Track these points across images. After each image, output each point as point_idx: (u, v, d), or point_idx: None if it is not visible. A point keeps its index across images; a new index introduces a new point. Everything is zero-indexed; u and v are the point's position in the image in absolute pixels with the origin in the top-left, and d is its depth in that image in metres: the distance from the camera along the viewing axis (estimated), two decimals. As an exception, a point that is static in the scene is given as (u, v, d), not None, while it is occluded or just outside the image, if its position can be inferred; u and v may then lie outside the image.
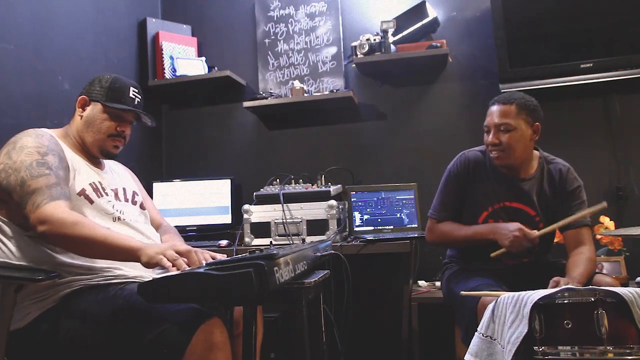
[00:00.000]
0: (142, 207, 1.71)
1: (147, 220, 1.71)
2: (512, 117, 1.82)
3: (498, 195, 1.90)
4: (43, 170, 1.38)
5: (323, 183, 2.56)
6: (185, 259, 1.29)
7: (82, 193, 1.49)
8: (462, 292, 1.64)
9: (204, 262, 1.32)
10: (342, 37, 2.88)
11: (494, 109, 1.87)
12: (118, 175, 1.72)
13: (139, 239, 1.51)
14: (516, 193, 1.90)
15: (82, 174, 1.53)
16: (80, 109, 1.60)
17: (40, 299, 1.36)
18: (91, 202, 1.50)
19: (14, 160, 1.38)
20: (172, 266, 1.25)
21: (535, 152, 1.96)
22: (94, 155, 1.62)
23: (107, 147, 1.59)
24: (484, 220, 1.91)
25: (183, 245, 1.37)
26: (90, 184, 1.52)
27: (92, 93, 1.60)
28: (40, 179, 1.36)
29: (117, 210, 1.56)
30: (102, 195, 1.54)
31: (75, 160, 1.54)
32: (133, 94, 1.62)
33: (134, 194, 1.71)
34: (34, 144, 1.42)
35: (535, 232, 1.76)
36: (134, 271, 1.46)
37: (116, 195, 1.62)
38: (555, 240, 2.09)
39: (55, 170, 1.41)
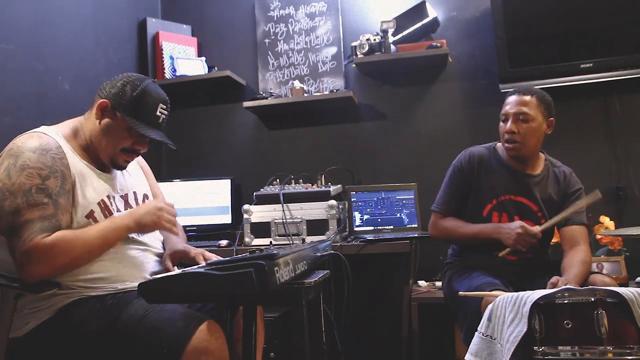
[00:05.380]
0: None
1: None
2: (532, 107, 1.85)
3: (503, 188, 1.92)
4: (41, 199, 1.30)
5: (323, 183, 2.55)
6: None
7: (91, 216, 1.42)
8: (460, 293, 1.64)
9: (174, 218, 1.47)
10: (342, 37, 2.88)
11: (514, 98, 1.88)
12: (129, 175, 1.64)
13: (148, 252, 1.54)
14: (521, 187, 1.92)
15: (89, 189, 1.44)
16: (100, 113, 1.46)
17: (39, 309, 1.34)
18: None
19: (13, 181, 1.30)
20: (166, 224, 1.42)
21: (541, 154, 1.98)
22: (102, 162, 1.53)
23: (118, 160, 1.51)
24: (489, 212, 1.93)
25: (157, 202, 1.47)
26: (98, 204, 1.45)
27: (117, 101, 1.45)
28: (35, 210, 1.28)
29: None
30: (111, 214, 1.47)
31: (83, 171, 1.45)
32: (161, 111, 1.50)
33: (145, 197, 1.65)
34: (36, 164, 1.33)
35: (537, 228, 1.78)
36: (135, 283, 1.41)
37: (126, 202, 1.55)
38: (554, 240, 2.09)
39: (55, 198, 1.33)
